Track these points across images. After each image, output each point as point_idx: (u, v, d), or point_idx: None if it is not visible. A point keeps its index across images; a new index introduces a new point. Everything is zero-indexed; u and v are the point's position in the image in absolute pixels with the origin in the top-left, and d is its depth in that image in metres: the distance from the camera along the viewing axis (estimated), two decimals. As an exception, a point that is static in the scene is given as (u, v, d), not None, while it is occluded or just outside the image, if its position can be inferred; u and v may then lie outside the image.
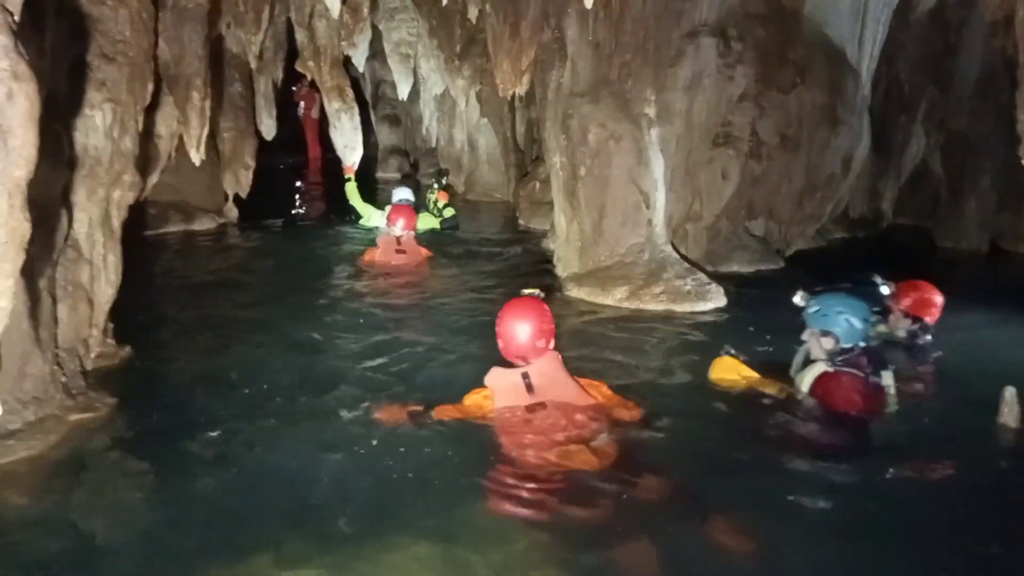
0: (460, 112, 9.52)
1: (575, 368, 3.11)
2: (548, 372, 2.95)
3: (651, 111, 5.27)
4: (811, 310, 3.22)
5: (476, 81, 8.64)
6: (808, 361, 3.25)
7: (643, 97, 5.27)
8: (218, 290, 5.29)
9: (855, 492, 2.64)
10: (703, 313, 4.88)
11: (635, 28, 5.20)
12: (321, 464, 2.73)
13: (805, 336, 3.24)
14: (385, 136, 12.15)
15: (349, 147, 7.41)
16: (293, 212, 8.22)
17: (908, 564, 2.24)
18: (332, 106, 7.30)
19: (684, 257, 5.46)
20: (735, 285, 5.38)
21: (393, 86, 10.29)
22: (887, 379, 3.17)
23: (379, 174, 11.47)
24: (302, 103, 12.44)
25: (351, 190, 7.49)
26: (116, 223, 3.65)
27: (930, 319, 3.80)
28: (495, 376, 2.96)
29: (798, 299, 3.30)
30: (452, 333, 4.33)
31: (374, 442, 2.85)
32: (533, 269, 6.03)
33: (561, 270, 5.64)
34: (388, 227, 6.22)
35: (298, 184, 9.21)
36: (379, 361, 3.82)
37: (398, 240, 6.08)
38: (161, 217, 7.00)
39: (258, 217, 7.54)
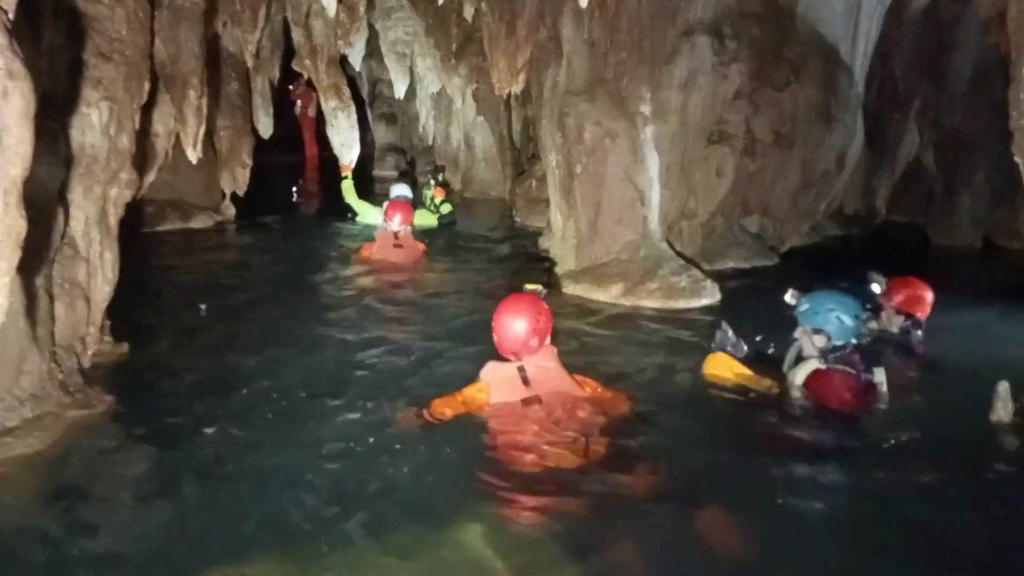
0: (456, 110, 9.54)
1: (570, 364, 3.13)
2: (544, 366, 2.97)
3: (646, 109, 5.29)
4: (802, 308, 3.23)
5: (472, 80, 8.65)
6: (800, 358, 3.27)
7: (638, 95, 5.28)
8: (215, 288, 5.29)
9: (847, 489, 2.66)
10: (698, 309, 4.91)
11: (630, 27, 5.22)
12: (320, 463, 2.72)
13: (797, 334, 3.26)
14: (382, 134, 12.15)
15: (346, 145, 7.44)
16: (294, 200, 8.22)
17: (900, 561, 2.24)
18: (329, 104, 7.32)
19: (679, 254, 5.49)
20: (730, 282, 5.41)
21: (390, 84, 10.35)
22: (879, 376, 3.19)
23: (376, 172, 11.49)
24: (299, 102, 12.47)
25: (348, 188, 7.52)
26: (113, 221, 3.66)
27: (921, 315, 3.82)
28: (491, 370, 2.98)
29: (789, 297, 3.32)
30: (449, 330, 4.35)
31: (372, 441, 2.86)
32: (529, 266, 6.05)
33: (557, 267, 5.67)
34: (385, 222, 6.23)
35: (297, 185, 9.24)
36: (377, 359, 3.83)
37: (395, 235, 6.09)
38: (158, 215, 7.02)
39: (255, 215, 7.54)
